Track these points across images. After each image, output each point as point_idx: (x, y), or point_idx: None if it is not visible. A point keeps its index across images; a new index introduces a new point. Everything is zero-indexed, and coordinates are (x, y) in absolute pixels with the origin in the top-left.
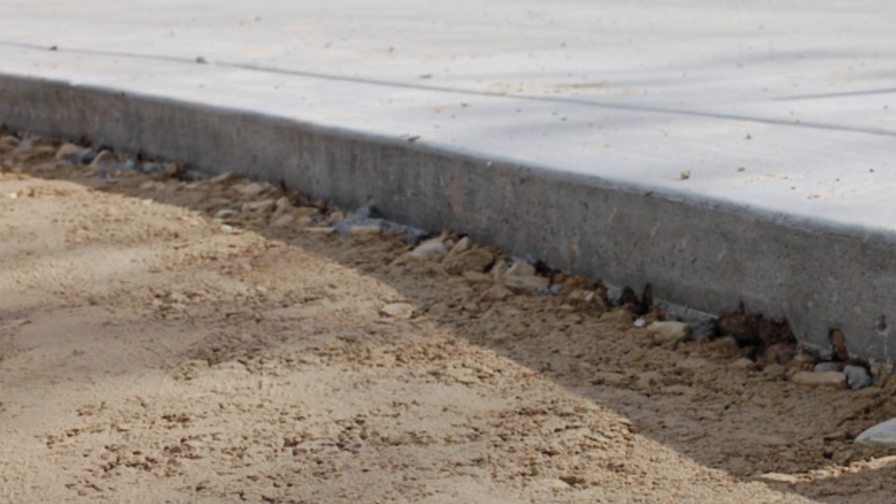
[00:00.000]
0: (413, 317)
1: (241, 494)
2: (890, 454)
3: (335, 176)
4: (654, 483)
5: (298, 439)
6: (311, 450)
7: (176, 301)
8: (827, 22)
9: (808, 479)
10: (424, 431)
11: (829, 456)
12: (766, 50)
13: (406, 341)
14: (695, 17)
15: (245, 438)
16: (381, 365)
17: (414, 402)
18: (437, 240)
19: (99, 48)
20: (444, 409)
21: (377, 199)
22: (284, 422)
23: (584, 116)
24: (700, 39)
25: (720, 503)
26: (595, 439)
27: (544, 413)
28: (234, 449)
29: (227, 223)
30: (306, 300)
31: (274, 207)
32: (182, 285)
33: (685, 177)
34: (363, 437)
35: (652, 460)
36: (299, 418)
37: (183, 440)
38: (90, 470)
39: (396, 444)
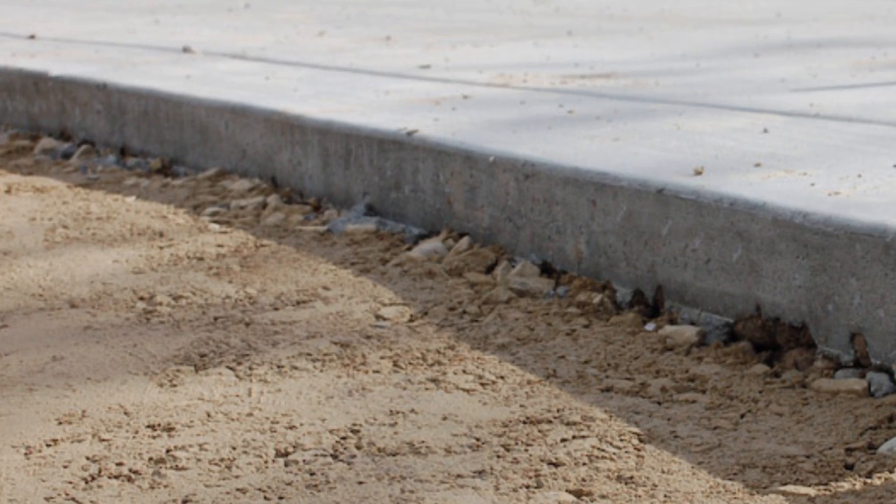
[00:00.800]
0: (411, 320)
1: None
2: None
3: (329, 172)
4: (665, 496)
5: (290, 450)
6: (304, 461)
7: (161, 304)
8: (848, 9)
9: (828, 492)
10: (423, 441)
11: (850, 467)
12: (784, 39)
13: (404, 346)
14: (708, 3)
15: (234, 449)
16: (377, 371)
17: (412, 411)
18: (437, 239)
19: (79, 37)
20: (444, 418)
21: (373, 197)
22: (275, 431)
23: (591, 109)
24: (714, 27)
25: None
26: (603, 450)
27: (550, 422)
28: (222, 460)
29: (215, 221)
30: (298, 303)
31: (264, 205)
32: (167, 287)
33: (698, 173)
34: (358, 447)
35: (663, 472)
36: (291, 427)
37: (168, 451)
38: (70, 482)
39: (394, 455)
